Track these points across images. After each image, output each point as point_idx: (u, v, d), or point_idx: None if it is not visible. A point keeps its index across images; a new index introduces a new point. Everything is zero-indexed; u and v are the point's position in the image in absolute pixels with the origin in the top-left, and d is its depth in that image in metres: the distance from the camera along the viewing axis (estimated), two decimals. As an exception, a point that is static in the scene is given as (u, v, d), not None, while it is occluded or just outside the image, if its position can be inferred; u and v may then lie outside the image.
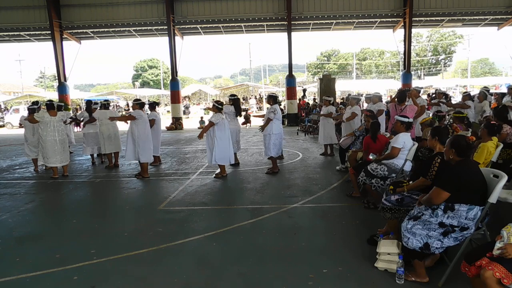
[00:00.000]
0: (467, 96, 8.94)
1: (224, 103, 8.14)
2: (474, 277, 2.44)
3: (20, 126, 9.14)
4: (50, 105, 7.71)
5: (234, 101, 8.20)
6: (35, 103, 9.04)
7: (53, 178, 7.48)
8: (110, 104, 9.56)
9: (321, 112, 9.32)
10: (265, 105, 31.49)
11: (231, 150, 7.40)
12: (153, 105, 8.99)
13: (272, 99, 7.60)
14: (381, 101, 8.39)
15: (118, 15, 18.92)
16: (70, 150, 11.05)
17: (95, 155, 9.31)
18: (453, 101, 14.16)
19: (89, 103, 9.32)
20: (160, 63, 58.32)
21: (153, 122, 8.17)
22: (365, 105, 8.73)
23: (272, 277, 3.23)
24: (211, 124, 7.00)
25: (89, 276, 3.36)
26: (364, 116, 6.98)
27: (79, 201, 6.08)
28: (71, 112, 16.91)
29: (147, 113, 8.41)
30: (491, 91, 11.78)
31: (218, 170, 7.28)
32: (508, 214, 3.75)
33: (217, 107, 7.17)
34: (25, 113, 24.79)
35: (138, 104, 7.52)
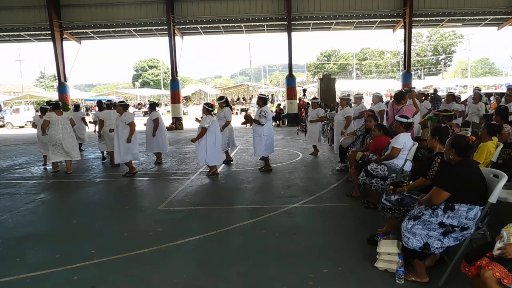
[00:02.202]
0: (451, 96, 8.80)
1: (215, 104, 8.27)
2: (474, 277, 2.44)
3: (34, 125, 9.36)
4: (56, 105, 7.98)
5: (227, 101, 8.37)
6: (48, 103, 9.50)
7: (53, 173, 7.89)
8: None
9: (309, 114, 9.26)
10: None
11: (220, 150, 7.45)
12: (153, 106, 9.10)
13: (262, 100, 7.58)
14: (382, 101, 8.33)
15: (118, 15, 18.92)
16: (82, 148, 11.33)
17: (105, 153, 9.53)
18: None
19: (100, 103, 9.56)
20: (160, 63, 58.35)
21: (157, 121, 8.50)
22: (353, 106, 8.45)
23: (272, 277, 3.23)
24: (204, 130, 6.95)
25: (89, 276, 3.36)
26: (365, 116, 6.96)
27: (79, 201, 6.08)
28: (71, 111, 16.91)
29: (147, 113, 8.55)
30: (491, 91, 11.77)
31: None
32: (508, 214, 3.75)
33: (207, 109, 7.14)
34: (27, 113, 24.95)
35: (122, 106, 7.50)
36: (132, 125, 7.34)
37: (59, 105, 8.02)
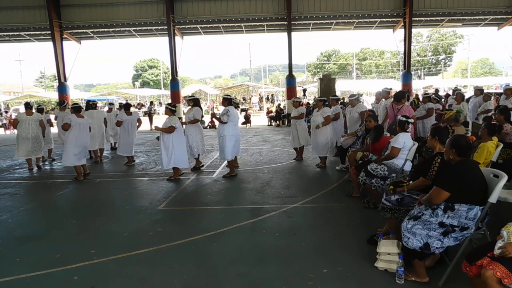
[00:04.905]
0: (426, 98, 8.70)
1: (187, 105, 8.06)
2: (474, 277, 2.44)
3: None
4: (26, 105, 8.93)
5: (196, 101, 7.93)
6: (61, 102, 11.03)
7: (30, 170, 8.45)
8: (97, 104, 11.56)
9: (292, 114, 8.79)
10: (265, 105, 31.50)
11: (186, 152, 7.23)
12: (127, 106, 9.39)
13: (227, 101, 7.29)
14: (360, 102, 8.12)
15: (118, 15, 18.95)
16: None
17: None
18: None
19: (86, 103, 10.00)
20: (160, 63, 58.33)
21: (119, 123, 8.85)
22: (333, 108, 8.25)
23: (272, 277, 3.23)
24: (173, 129, 6.80)
25: (89, 276, 3.36)
26: (365, 116, 6.96)
27: (79, 201, 6.08)
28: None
29: (116, 114, 9.58)
30: (490, 90, 11.83)
31: (205, 170, 7.26)
32: (508, 214, 3.75)
33: (171, 109, 7.00)
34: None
35: (73, 108, 7.49)
36: (66, 125, 7.19)
37: (30, 106, 8.90)
